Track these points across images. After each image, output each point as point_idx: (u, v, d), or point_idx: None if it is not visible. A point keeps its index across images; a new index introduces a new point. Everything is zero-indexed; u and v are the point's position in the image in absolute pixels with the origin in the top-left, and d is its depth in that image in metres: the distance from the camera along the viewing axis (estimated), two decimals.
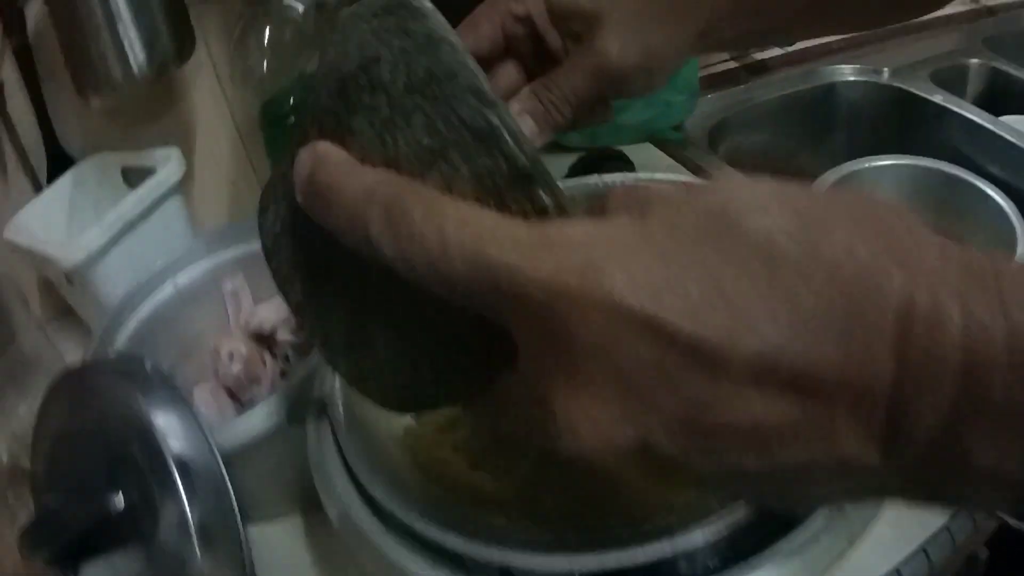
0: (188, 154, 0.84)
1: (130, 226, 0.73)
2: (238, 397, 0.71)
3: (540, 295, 0.23)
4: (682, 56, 0.60)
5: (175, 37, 0.75)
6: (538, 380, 0.25)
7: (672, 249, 0.23)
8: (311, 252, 0.33)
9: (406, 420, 0.52)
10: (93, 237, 0.71)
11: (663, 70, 0.60)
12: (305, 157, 0.30)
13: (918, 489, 0.23)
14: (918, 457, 0.21)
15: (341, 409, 0.50)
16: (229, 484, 0.56)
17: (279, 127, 0.73)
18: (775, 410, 0.21)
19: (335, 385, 0.51)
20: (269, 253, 0.34)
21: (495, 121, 0.27)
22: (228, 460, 0.56)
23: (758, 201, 0.23)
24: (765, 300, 0.21)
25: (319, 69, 0.32)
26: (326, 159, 0.29)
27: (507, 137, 0.27)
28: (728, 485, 0.24)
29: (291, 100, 0.72)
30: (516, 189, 0.27)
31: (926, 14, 0.67)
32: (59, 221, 0.81)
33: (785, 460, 0.22)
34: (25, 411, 0.79)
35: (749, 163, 0.91)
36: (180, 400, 0.58)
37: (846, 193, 0.24)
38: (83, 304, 0.79)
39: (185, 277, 0.72)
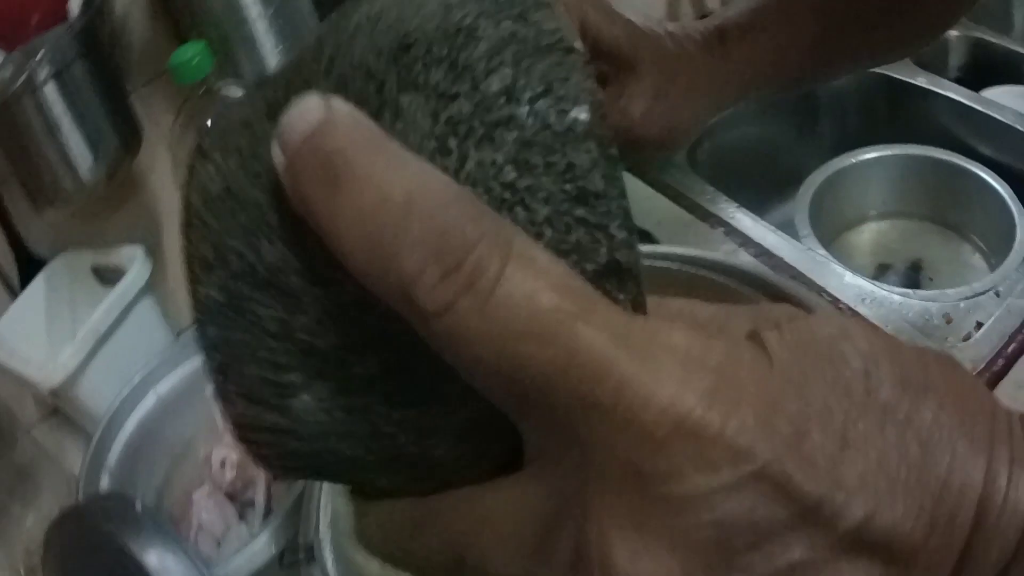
0: (156, 245, 0.82)
1: (105, 337, 0.73)
2: (236, 498, 0.71)
3: (646, 417, 0.18)
4: (699, 131, 0.57)
5: (121, 135, 0.73)
6: (585, 517, 0.20)
7: (801, 388, 0.20)
8: (255, 241, 0.23)
9: None
10: (69, 356, 0.71)
11: (677, 145, 0.57)
12: (311, 107, 0.19)
13: None
14: None
15: (330, 560, 0.49)
16: None
17: None
18: (858, 574, 0.20)
19: (321, 529, 0.50)
20: (190, 218, 0.24)
21: (614, 191, 0.19)
22: None
23: (876, 348, 0.21)
24: (879, 456, 0.20)
25: (360, 7, 0.23)
26: (347, 121, 0.19)
27: (621, 216, 0.20)
28: None
29: None
30: (602, 281, 0.20)
31: (931, 40, 0.64)
32: (38, 329, 0.80)
33: None
34: (33, 521, 0.80)
35: (732, 172, 0.88)
36: (172, 539, 0.57)
37: (934, 352, 0.22)
38: (72, 412, 0.79)
39: (166, 385, 0.72)
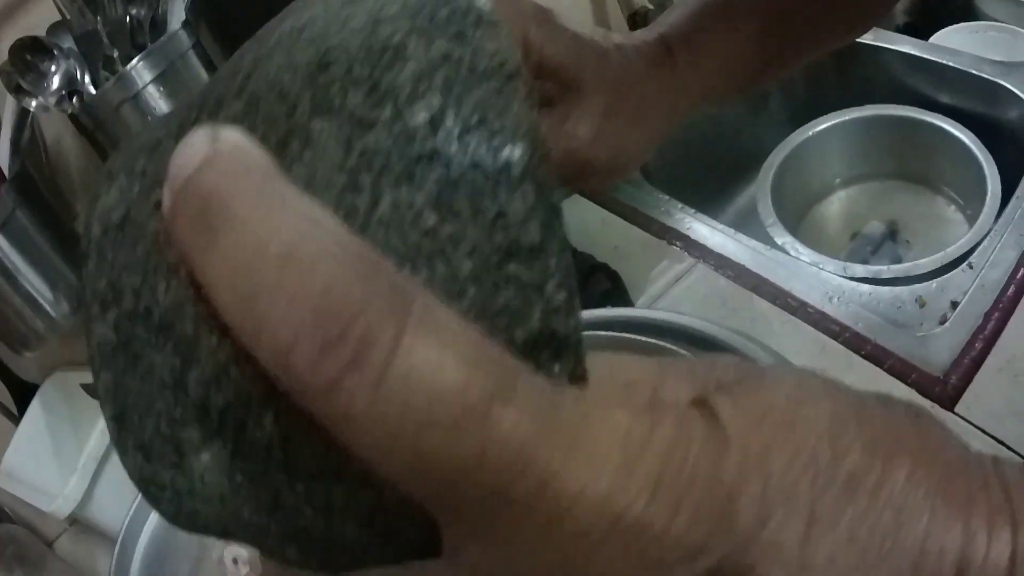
0: None
1: (105, 459, 0.75)
2: None
3: (578, 514, 0.16)
4: (651, 152, 0.55)
5: (74, 264, 0.74)
6: None
7: (761, 464, 0.17)
8: (152, 279, 0.20)
9: None
10: (75, 486, 0.74)
11: (629, 168, 0.54)
12: (196, 142, 0.17)
13: None
14: None
15: None
16: None
17: None
18: None
19: None
20: (88, 247, 0.22)
21: (553, 245, 0.17)
22: None
23: (840, 407, 0.19)
24: (849, 528, 0.18)
25: (288, 18, 0.20)
26: (231, 158, 0.16)
27: (560, 275, 0.17)
28: None
29: None
30: (534, 352, 0.17)
31: (883, 17, 0.61)
32: (45, 453, 0.83)
33: None
34: None
35: (688, 169, 0.87)
36: None
37: (902, 402, 0.20)
38: (90, 527, 0.82)
39: None
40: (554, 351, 0.17)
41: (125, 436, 0.22)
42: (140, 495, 0.22)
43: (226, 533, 0.22)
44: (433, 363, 0.15)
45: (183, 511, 0.22)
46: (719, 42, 0.54)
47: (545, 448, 0.15)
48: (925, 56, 0.84)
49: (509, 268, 0.17)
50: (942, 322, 0.68)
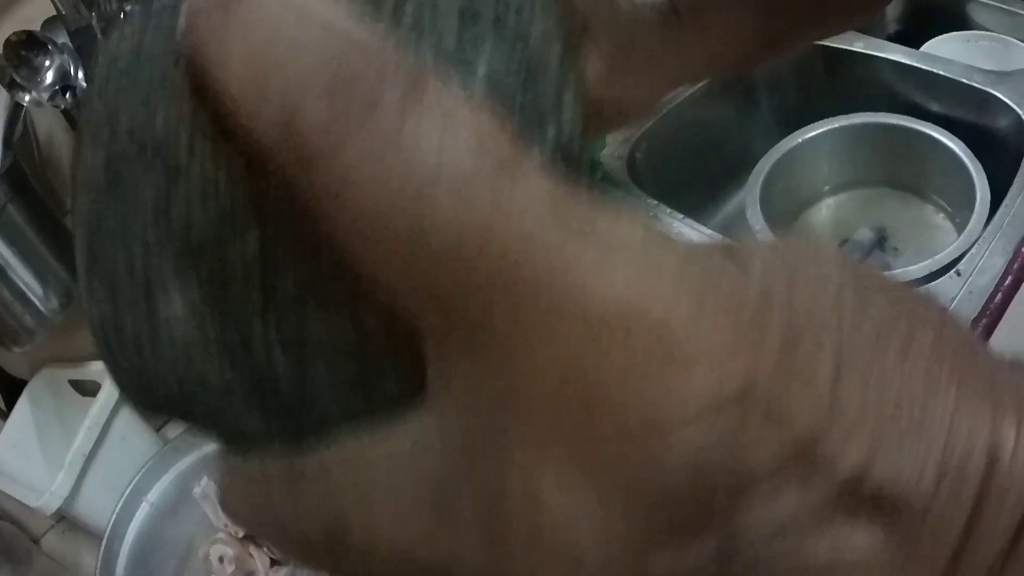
0: None
1: (92, 456, 0.76)
2: None
3: (594, 300, 0.14)
4: (654, 104, 0.56)
5: (65, 260, 0.74)
6: (503, 452, 0.15)
7: (787, 293, 0.16)
8: (153, 100, 0.20)
9: None
10: (62, 482, 0.74)
11: (635, 115, 0.55)
12: None
13: None
14: None
15: None
16: None
17: None
18: (858, 541, 0.16)
19: None
20: (92, 89, 0.22)
21: (569, 75, 0.18)
22: None
23: (860, 264, 0.17)
24: (879, 382, 0.16)
25: None
26: None
27: (573, 97, 0.18)
28: None
29: None
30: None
31: (872, 10, 0.62)
32: (32, 448, 0.83)
33: None
34: None
35: (677, 172, 0.87)
36: None
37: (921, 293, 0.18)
38: (77, 523, 0.82)
39: (155, 493, 0.75)
40: (567, 166, 0.17)
41: (92, 277, 0.21)
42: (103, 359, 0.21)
43: (185, 411, 0.21)
44: (443, 128, 0.14)
45: (144, 369, 0.20)
46: (724, 10, 0.54)
47: (556, 230, 0.14)
48: (916, 65, 0.85)
49: (528, 86, 0.17)
50: None
